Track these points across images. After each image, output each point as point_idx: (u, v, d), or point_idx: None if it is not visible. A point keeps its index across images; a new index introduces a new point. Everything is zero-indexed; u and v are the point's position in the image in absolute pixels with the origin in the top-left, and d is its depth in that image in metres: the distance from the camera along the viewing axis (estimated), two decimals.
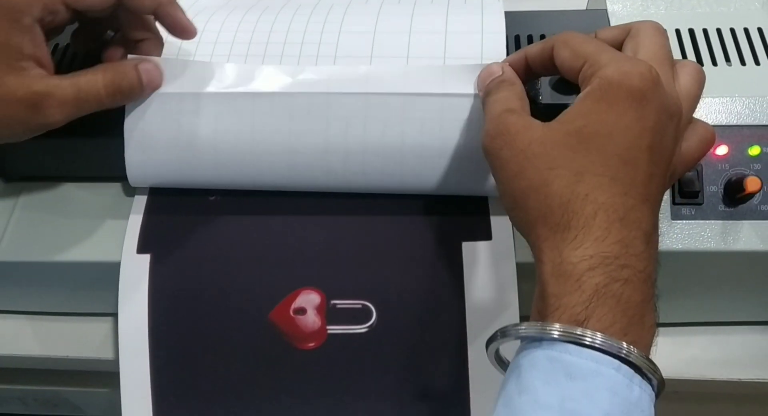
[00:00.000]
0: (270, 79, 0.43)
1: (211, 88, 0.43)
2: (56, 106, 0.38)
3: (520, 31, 0.46)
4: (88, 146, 0.44)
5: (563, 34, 0.38)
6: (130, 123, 0.42)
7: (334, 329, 0.42)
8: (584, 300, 0.31)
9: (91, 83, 0.40)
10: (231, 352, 0.43)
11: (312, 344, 0.43)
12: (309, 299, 0.43)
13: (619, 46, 0.38)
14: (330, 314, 0.42)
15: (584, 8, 0.53)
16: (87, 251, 0.43)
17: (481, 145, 0.36)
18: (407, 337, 0.42)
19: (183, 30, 0.43)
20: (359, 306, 0.43)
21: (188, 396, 0.43)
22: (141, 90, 0.42)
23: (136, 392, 0.42)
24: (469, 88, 0.42)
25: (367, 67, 0.44)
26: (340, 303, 0.43)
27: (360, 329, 0.43)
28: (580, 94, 0.35)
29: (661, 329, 0.33)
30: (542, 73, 0.41)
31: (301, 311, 0.43)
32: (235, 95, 0.42)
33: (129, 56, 0.42)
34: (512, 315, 0.41)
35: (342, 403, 0.43)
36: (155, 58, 0.43)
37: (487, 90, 0.39)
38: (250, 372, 0.43)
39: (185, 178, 0.43)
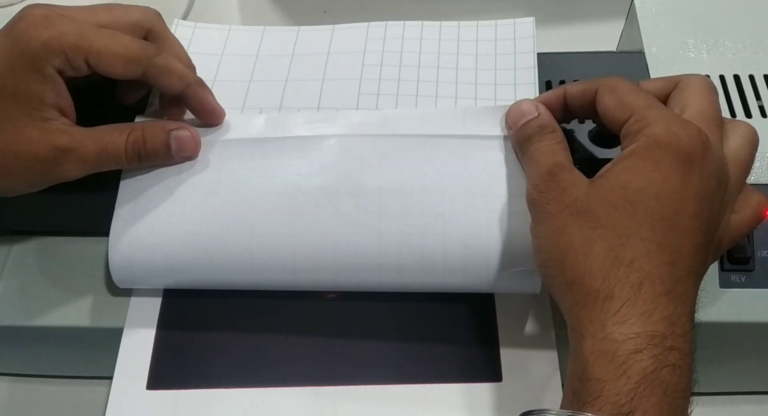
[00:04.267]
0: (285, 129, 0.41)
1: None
2: (76, 162, 0.37)
3: (551, 75, 0.43)
4: (84, 201, 0.41)
5: (609, 80, 0.35)
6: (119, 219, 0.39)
7: None
8: (630, 390, 0.28)
9: (115, 142, 0.38)
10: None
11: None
12: None
13: (665, 99, 0.36)
14: None
15: (615, 49, 0.50)
16: (83, 316, 0.40)
17: (527, 195, 0.34)
18: None
19: (210, 113, 0.41)
20: None
21: None
22: (168, 157, 0.39)
23: None
24: (495, 130, 0.39)
25: (384, 111, 0.41)
26: None
27: None
28: (624, 151, 0.33)
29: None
30: (579, 116, 0.38)
31: None
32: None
33: (167, 122, 0.40)
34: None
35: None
36: (194, 129, 0.40)
37: (524, 134, 0.37)
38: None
39: (184, 278, 0.39)
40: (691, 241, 0.31)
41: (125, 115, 0.42)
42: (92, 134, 0.37)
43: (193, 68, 0.41)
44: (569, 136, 0.38)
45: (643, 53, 0.44)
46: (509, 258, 0.36)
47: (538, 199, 0.33)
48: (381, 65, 0.44)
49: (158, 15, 0.41)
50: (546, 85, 0.42)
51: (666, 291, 0.29)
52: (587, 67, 0.43)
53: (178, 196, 0.39)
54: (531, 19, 0.45)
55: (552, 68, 0.43)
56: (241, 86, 0.44)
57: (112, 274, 0.38)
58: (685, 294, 0.30)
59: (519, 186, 0.37)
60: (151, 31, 0.40)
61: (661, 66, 0.43)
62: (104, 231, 0.39)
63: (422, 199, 0.38)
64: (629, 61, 0.44)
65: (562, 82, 0.43)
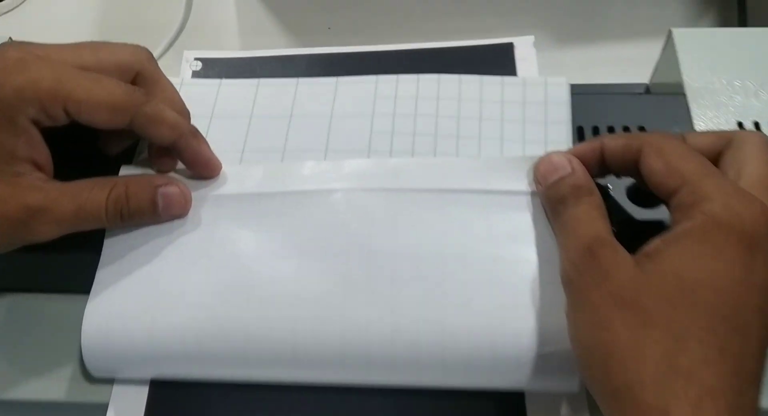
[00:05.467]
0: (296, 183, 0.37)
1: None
2: (50, 223, 0.33)
3: (581, 116, 0.39)
4: (69, 250, 0.37)
5: (655, 138, 0.31)
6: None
7: None
8: None
9: (95, 200, 0.33)
10: None
11: None
12: None
13: (716, 158, 0.32)
14: None
15: (647, 80, 0.46)
16: (60, 389, 0.35)
17: (562, 272, 0.31)
18: None
19: (205, 166, 0.36)
20: None
21: None
22: (154, 216, 0.35)
23: None
24: (522, 184, 0.35)
25: (397, 160, 0.37)
26: None
27: None
28: (677, 229, 0.29)
29: None
30: (617, 173, 0.34)
31: None
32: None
33: (154, 177, 0.36)
34: None
35: None
36: (183, 187, 0.36)
37: (557, 194, 0.33)
38: None
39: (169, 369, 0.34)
40: (755, 342, 0.27)
41: (111, 163, 0.38)
42: (69, 191, 0.33)
43: (187, 114, 0.37)
44: (604, 192, 0.34)
45: (684, 95, 0.39)
46: (543, 350, 0.32)
47: (576, 279, 0.29)
48: (393, 128, 0.39)
49: (149, 55, 0.36)
50: (577, 132, 0.38)
51: (728, 406, 0.25)
52: (622, 108, 0.39)
53: (164, 260, 0.35)
54: (564, 81, 0.40)
55: (581, 108, 0.39)
56: (238, 138, 0.40)
57: (85, 363, 0.34)
58: (747, 407, 0.26)
59: (551, 250, 0.33)
60: (141, 74, 0.36)
61: (703, 109, 0.39)
62: (87, 288, 0.35)
63: (442, 265, 0.34)
64: (668, 102, 0.39)
65: (595, 129, 0.39)
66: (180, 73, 0.56)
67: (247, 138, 0.39)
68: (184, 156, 0.36)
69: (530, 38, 0.56)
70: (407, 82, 0.41)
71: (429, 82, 0.41)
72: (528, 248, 0.33)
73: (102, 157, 0.38)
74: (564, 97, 0.39)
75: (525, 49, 0.56)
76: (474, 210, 0.35)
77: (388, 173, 0.36)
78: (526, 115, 0.39)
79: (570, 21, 0.58)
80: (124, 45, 0.36)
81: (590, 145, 0.34)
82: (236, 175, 0.37)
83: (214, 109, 0.40)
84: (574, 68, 0.55)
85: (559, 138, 0.38)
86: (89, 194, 0.33)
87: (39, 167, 0.33)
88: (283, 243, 0.35)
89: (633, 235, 0.30)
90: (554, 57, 0.56)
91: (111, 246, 0.36)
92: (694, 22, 0.58)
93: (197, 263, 0.35)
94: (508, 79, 0.40)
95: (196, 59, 0.59)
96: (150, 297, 0.34)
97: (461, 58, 0.56)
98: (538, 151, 0.36)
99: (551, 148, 0.36)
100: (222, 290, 0.34)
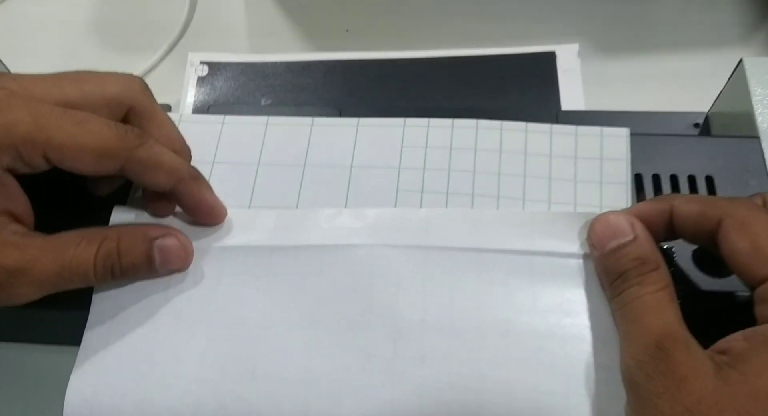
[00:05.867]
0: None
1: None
2: (29, 286, 0.28)
3: (641, 165, 0.34)
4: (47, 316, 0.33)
5: (738, 210, 0.27)
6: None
7: None
8: None
9: (82, 257, 0.29)
10: None
11: None
12: None
13: None
14: None
15: (706, 110, 0.41)
16: None
17: (625, 369, 0.26)
18: None
19: (208, 213, 0.32)
20: None
21: None
22: (150, 272, 0.31)
23: None
24: (572, 244, 0.30)
25: (428, 211, 0.32)
26: None
27: None
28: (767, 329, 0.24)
29: None
30: (688, 240, 0.29)
31: None
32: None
33: (150, 228, 0.31)
34: None
35: None
36: (183, 237, 0.31)
37: (617, 266, 0.28)
38: None
39: None
40: None
41: (102, 203, 0.33)
42: (52, 247, 0.29)
43: (187, 153, 0.33)
44: (666, 256, 0.29)
45: (757, 138, 0.34)
46: None
47: (643, 383, 0.25)
48: (422, 185, 0.34)
49: (142, 85, 0.31)
50: (635, 180, 0.33)
51: None
52: (684, 152, 0.34)
53: (160, 323, 0.30)
54: (624, 133, 0.34)
55: (638, 149, 0.34)
56: (244, 190, 0.35)
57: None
58: None
59: (608, 328, 0.28)
60: (134, 109, 0.31)
61: None
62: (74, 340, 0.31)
63: (478, 341, 0.29)
64: (738, 145, 0.34)
65: (655, 178, 0.33)
66: (184, 78, 0.52)
67: (254, 190, 0.34)
68: (183, 203, 0.32)
69: (574, 47, 0.51)
70: (440, 127, 0.35)
71: (466, 129, 0.35)
72: (580, 324, 0.29)
73: (90, 200, 0.33)
74: (624, 153, 0.33)
75: (568, 59, 0.51)
76: (517, 276, 0.30)
77: (418, 226, 0.31)
78: (579, 173, 0.33)
79: (614, 27, 0.53)
80: (114, 75, 0.31)
81: (656, 205, 0.29)
82: (244, 223, 0.33)
83: (216, 153, 0.35)
84: (619, 82, 0.50)
85: (618, 197, 0.32)
86: (75, 251, 0.29)
87: (16, 219, 0.29)
88: (296, 308, 0.30)
89: (698, 307, 0.26)
90: (597, 68, 0.50)
91: (100, 302, 0.31)
92: (749, 30, 0.52)
93: (197, 328, 0.30)
94: (557, 128, 0.34)
95: (202, 63, 0.54)
96: (142, 369, 0.30)
97: (495, 67, 0.51)
98: (592, 209, 0.32)
99: (607, 207, 0.32)
100: (225, 362, 0.30)
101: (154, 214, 0.33)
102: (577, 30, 0.53)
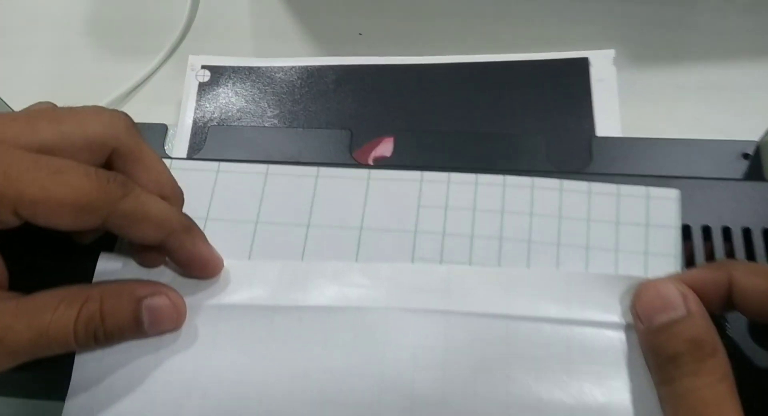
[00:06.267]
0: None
1: None
2: (1, 356, 0.25)
3: (689, 216, 0.30)
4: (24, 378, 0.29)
5: None
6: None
7: None
8: None
9: (60, 322, 0.26)
10: None
11: None
12: None
13: None
14: None
15: (756, 138, 0.37)
16: None
17: None
18: None
19: (203, 267, 0.29)
20: None
21: None
22: (138, 334, 0.27)
23: None
24: (614, 315, 0.27)
25: (450, 268, 0.29)
26: None
27: None
28: None
29: None
30: (750, 317, 0.26)
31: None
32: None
33: (137, 285, 0.28)
34: None
35: None
36: (174, 295, 0.28)
37: (667, 347, 0.25)
38: None
39: None
40: None
41: (85, 252, 0.30)
42: (27, 311, 0.26)
43: (179, 198, 0.29)
44: (719, 330, 0.26)
45: None
46: None
47: None
48: (441, 254, 0.30)
49: (128, 123, 0.28)
50: (683, 233, 0.29)
51: None
52: (737, 199, 0.30)
53: (148, 391, 0.27)
54: (675, 195, 0.30)
55: (685, 195, 0.30)
56: (240, 250, 0.31)
57: None
58: None
59: (652, 411, 0.25)
60: (118, 151, 0.27)
61: None
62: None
63: None
64: None
65: (705, 231, 0.30)
66: (184, 84, 0.48)
67: (252, 252, 0.30)
68: (174, 257, 0.28)
69: (609, 53, 0.46)
70: (462, 184, 0.31)
71: (491, 186, 0.31)
72: (620, 406, 0.25)
73: (72, 250, 0.30)
74: (673, 219, 0.29)
75: (603, 67, 0.46)
76: (549, 347, 0.27)
77: (438, 287, 0.28)
78: (620, 241, 0.29)
79: (650, 32, 0.48)
80: (96, 112, 0.27)
81: (712, 275, 0.25)
82: (243, 277, 0.29)
83: (209, 208, 0.31)
84: (656, 93, 0.46)
85: (665, 272, 0.29)
86: (53, 316, 0.26)
87: None
88: (300, 379, 0.27)
89: (755, 388, 0.23)
90: (632, 77, 0.46)
91: (83, 365, 0.28)
92: None
93: (189, 397, 0.27)
94: (597, 187, 0.30)
95: (204, 67, 0.50)
96: None
97: (521, 75, 0.47)
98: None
99: (653, 270, 0.28)
100: None
101: (143, 264, 0.30)
102: (610, 35, 0.48)
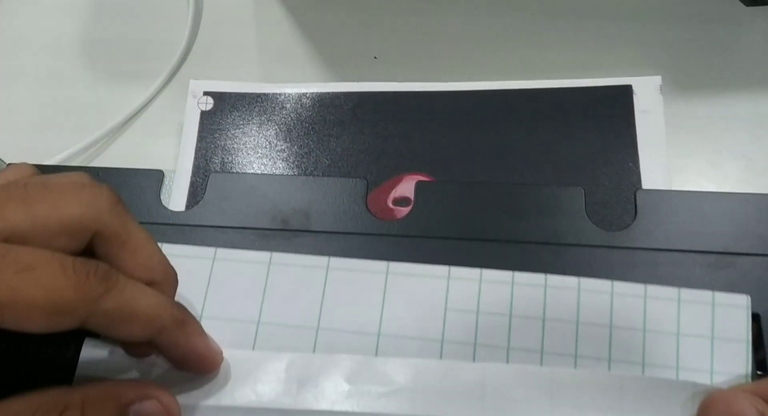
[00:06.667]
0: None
1: None
2: None
3: (760, 302, 0.26)
4: None
5: None
6: None
7: None
8: None
9: None
10: None
11: None
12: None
13: None
14: None
15: None
16: None
17: None
18: None
19: (199, 364, 0.25)
20: None
21: None
22: None
23: None
24: None
25: (485, 366, 0.25)
26: None
27: None
28: None
29: None
30: None
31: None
32: None
33: (123, 387, 0.24)
34: None
35: None
36: (167, 397, 0.24)
37: None
38: None
39: None
40: None
41: (66, 337, 0.26)
42: None
43: (172, 282, 0.25)
44: None
45: None
46: None
47: None
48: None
49: (111, 201, 0.24)
50: (754, 322, 0.25)
51: None
52: None
53: None
54: (744, 302, 0.26)
55: (755, 276, 0.26)
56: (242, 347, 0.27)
57: None
58: None
59: None
60: (101, 234, 0.24)
61: None
62: None
63: None
64: None
65: None
66: (185, 113, 0.44)
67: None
68: (167, 354, 0.25)
69: (655, 80, 0.42)
70: (496, 283, 0.27)
71: (530, 287, 0.27)
72: None
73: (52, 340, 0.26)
74: (743, 331, 0.25)
75: (648, 96, 0.42)
76: None
77: (471, 389, 0.24)
78: (681, 357, 0.25)
79: (697, 58, 0.44)
80: (74, 189, 0.24)
81: None
82: (246, 372, 0.25)
83: (204, 305, 0.28)
84: (704, 126, 0.42)
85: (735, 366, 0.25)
86: None
87: None
88: None
89: None
90: (679, 108, 0.42)
91: None
92: None
93: None
94: (654, 291, 0.26)
95: (206, 94, 0.46)
96: None
97: (554, 104, 0.42)
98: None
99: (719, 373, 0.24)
100: None
101: (132, 355, 0.26)
102: (652, 61, 0.44)
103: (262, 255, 0.28)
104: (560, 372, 0.25)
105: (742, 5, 0.45)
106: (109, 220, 0.24)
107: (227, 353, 0.26)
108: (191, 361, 0.25)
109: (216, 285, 0.28)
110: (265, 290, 0.27)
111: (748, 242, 0.29)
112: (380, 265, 0.28)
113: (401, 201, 0.40)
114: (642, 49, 0.44)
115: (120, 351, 0.26)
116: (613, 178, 0.39)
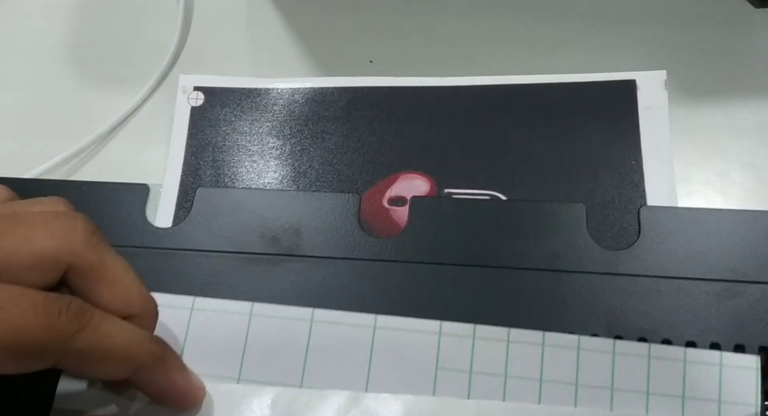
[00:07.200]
0: None
1: None
2: None
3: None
4: None
5: None
6: None
7: None
8: None
9: None
10: None
11: None
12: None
13: None
14: None
15: None
16: None
17: None
18: None
19: (180, 400, 0.24)
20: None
21: None
22: None
23: None
24: None
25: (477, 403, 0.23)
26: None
27: None
28: None
29: None
30: None
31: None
32: None
33: None
34: None
35: None
36: None
37: None
38: None
39: None
40: None
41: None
42: None
43: (151, 314, 0.24)
44: None
45: None
46: None
47: None
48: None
49: (86, 232, 0.23)
50: (762, 356, 0.24)
51: None
52: None
53: None
54: (755, 363, 0.25)
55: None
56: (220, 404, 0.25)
57: None
58: None
59: None
60: (75, 267, 0.22)
61: None
62: None
63: None
64: None
65: None
66: (175, 110, 0.43)
67: None
68: (146, 391, 0.24)
69: (660, 75, 0.40)
70: (491, 340, 0.25)
71: (527, 345, 0.25)
72: None
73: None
74: (752, 396, 0.24)
75: (652, 92, 0.40)
76: None
77: None
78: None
79: (702, 59, 0.42)
80: (46, 220, 0.22)
81: None
82: (230, 408, 0.24)
83: (181, 357, 0.26)
84: (710, 133, 0.40)
85: None
86: None
87: None
88: None
89: None
90: (684, 113, 0.41)
91: None
92: None
93: None
94: (658, 350, 0.24)
95: (197, 89, 0.45)
96: None
97: (553, 100, 0.41)
98: None
99: None
100: None
101: (110, 389, 0.25)
102: (657, 64, 0.42)
103: (243, 306, 0.27)
104: (558, 410, 0.23)
105: (751, 6, 0.43)
106: (83, 252, 0.22)
107: (210, 386, 0.24)
108: (171, 398, 0.24)
109: (193, 338, 0.26)
110: (245, 344, 0.26)
111: (755, 264, 0.28)
112: (368, 318, 0.26)
113: (397, 200, 0.39)
114: (647, 51, 0.43)
115: (98, 384, 0.25)
116: (615, 177, 0.38)
